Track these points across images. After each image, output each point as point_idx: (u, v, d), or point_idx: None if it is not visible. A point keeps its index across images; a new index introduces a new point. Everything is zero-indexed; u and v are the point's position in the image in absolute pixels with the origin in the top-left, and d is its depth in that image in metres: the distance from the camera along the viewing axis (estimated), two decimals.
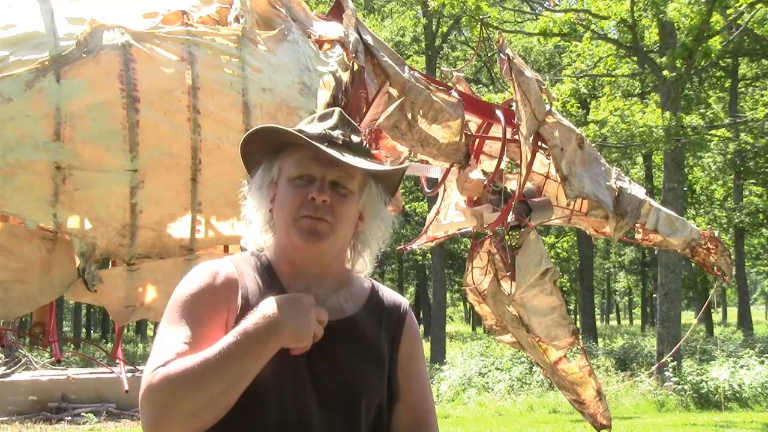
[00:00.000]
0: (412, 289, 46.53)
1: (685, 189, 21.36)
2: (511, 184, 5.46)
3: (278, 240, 1.76)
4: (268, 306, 1.56)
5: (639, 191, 5.63)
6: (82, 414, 12.19)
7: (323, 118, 1.78)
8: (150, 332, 36.32)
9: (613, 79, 19.72)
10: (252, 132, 1.76)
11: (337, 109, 1.81)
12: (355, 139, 1.75)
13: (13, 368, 13.82)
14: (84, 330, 37.55)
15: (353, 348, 1.72)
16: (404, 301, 1.88)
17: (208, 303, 1.63)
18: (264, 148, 1.77)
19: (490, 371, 16.24)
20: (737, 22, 16.22)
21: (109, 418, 12.45)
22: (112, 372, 6.81)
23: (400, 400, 1.79)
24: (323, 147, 1.67)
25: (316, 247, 1.69)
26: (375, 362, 1.75)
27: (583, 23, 17.04)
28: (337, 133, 1.72)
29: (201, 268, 1.69)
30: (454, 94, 4.93)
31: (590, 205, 5.46)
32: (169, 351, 1.54)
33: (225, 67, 3.77)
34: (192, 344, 1.56)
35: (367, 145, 1.79)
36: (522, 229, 5.21)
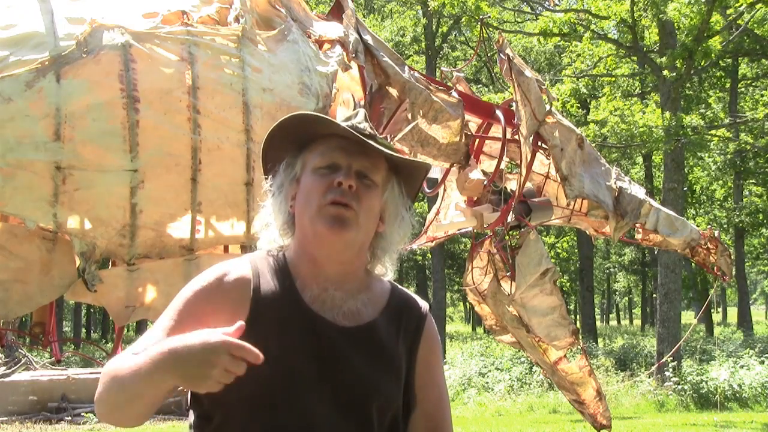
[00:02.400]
0: (412, 289, 46.51)
1: (685, 189, 21.37)
2: (511, 184, 5.46)
3: (300, 235, 1.72)
4: (183, 340, 1.46)
5: (639, 191, 5.64)
6: (82, 414, 12.19)
7: (347, 119, 1.77)
8: None
9: (613, 79, 19.70)
10: (283, 121, 1.73)
11: (362, 110, 1.80)
12: (380, 134, 1.76)
13: (13, 368, 13.80)
14: (84, 330, 37.53)
15: (368, 355, 1.68)
16: (424, 305, 1.84)
17: (207, 302, 1.62)
18: (287, 145, 1.75)
19: (490, 371, 16.23)
20: (737, 22, 16.22)
21: None
22: None
23: (417, 406, 1.76)
24: (354, 132, 1.67)
25: (341, 236, 1.65)
26: (391, 370, 1.71)
27: (583, 23, 17.04)
28: (364, 125, 1.72)
29: (214, 267, 1.68)
30: (454, 94, 4.94)
31: (590, 205, 5.46)
32: (141, 342, 1.60)
33: (225, 67, 3.78)
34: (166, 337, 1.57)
35: (391, 142, 1.80)
36: (522, 229, 5.21)
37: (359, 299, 1.72)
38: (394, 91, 4.55)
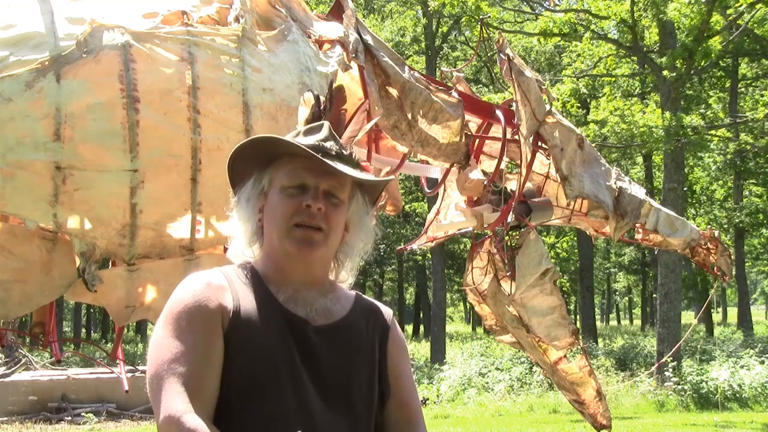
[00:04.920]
0: (412, 289, 46.46)
1: (685, 189, 21.36)
2: (511, 184, 5.46)
3: (267, 249, 1.79)
4: None
5: (639, 191, 5.64)
6: (82, 414, 12.19)
7: (311, 131, 1.82)
8: (150, 332, 36.29)
9: (613, 79, 19.71)
10: (246, 142, 1.80)
11: (326, 123, 1.85)
12: (345, 151, 1.81)
13: (13, 368, 13.82)
14: (84, 330, 37.54)
15: (345, 348, 1.77)
16: (388, 310, 1.94)
17: (206, 315, 1.67)
18: (254, 159, 1.81)
19: (490, 371, 16.23)
20: (737, 22, 16.20)
21: (109, 418, 12.45)
22: (112, 372, 6.81)
23: (391, 396, 1.84)
24: (319, 156, 1.72)
25: (310, 256, 1.74)
26: (367, 361, 1.80)
27: (583, 23, 17.03)
28: (329, 144, 1.78)
29: (193, 281, 1.72)
30: (454, 94, 4.93)
31: (590, 205, 5.46)
32: (180, 398, 1.59)
33: (225, 67, 3.77)
34: (198, 377, 1.62)
35: (356, 157, 1.84)
36: (522, 229, 5.22)
37: (328, 298, 1.81)
38: (394, 91, 4.55)
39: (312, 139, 1.78)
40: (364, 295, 1.94)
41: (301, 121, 1.90)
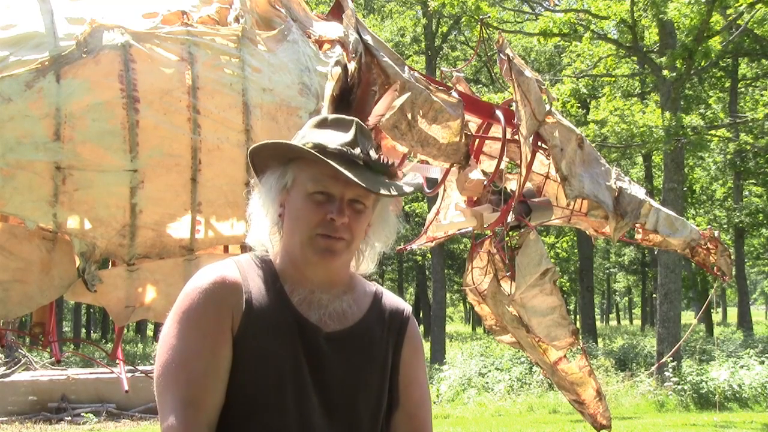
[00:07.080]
0: (412, 289, 46.46)
1: (685, 189, 21.36)
2: (511, 184, 5.46)
3: (287, 248, 1.73)
4: None
5: (639, 191, 5.63)
6: (82, 414, 12.19)
7: (339, 126, 1.73)
8: (150, 332, 36.34)
9: (613, 79, 19.71)
10: (270, 144, 1.73)
11: (356, 121, 1.76)
12: (374, 155, 1.72)
13: (13, 368, 13.81)
14: (84, 330, 37.55)
15: (357, 357, 1.72)
16: (407, 307, 1.88)
17: (216, 315, 1.63)
18: (276, 155, 1.75)
19: (490, 371, 16.23)
20: (737, 22, 16.21)
21: (109, 418, 12.44)
22: (112, 372, 6.82)
23: (399, 406, 1.79)
24: (342, 170, 1.63)
25: (331, 264, 1.70)
26: (378, 370, 1.75)
27: (583, 23, 17.03)
28: (357, 150, 1.69)
29: (206, 275, 1.66)
30: (454, 94, 4.93)
31: (590, 205, 5.46)
32: (183, 409, 1.57)
33: (225, 68, 3.78)
34: (203, 387, 1.59)
35: (385, 160, 1.74)
36: (522, 229, 5.21)
37: (344, 300, 1.76)
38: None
39: (338, 140, 1.68)
40: (383, 290, 1.87)
41: (327, 96, 1.82)
